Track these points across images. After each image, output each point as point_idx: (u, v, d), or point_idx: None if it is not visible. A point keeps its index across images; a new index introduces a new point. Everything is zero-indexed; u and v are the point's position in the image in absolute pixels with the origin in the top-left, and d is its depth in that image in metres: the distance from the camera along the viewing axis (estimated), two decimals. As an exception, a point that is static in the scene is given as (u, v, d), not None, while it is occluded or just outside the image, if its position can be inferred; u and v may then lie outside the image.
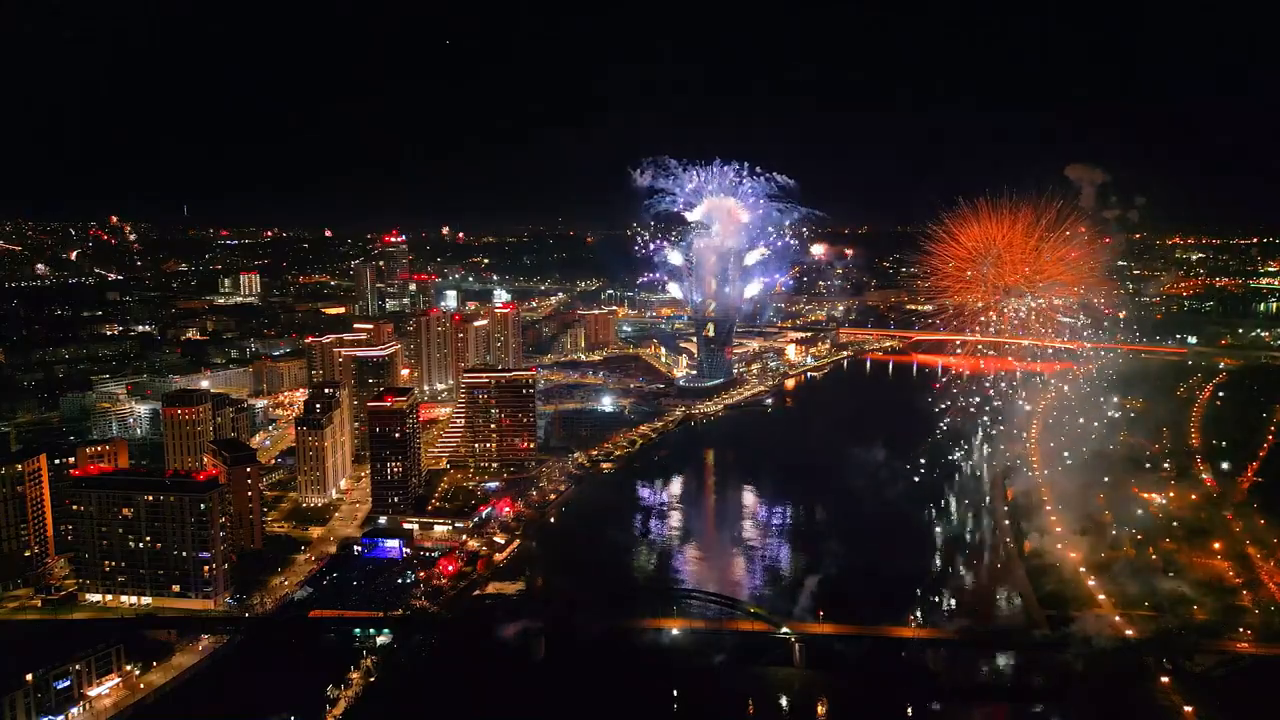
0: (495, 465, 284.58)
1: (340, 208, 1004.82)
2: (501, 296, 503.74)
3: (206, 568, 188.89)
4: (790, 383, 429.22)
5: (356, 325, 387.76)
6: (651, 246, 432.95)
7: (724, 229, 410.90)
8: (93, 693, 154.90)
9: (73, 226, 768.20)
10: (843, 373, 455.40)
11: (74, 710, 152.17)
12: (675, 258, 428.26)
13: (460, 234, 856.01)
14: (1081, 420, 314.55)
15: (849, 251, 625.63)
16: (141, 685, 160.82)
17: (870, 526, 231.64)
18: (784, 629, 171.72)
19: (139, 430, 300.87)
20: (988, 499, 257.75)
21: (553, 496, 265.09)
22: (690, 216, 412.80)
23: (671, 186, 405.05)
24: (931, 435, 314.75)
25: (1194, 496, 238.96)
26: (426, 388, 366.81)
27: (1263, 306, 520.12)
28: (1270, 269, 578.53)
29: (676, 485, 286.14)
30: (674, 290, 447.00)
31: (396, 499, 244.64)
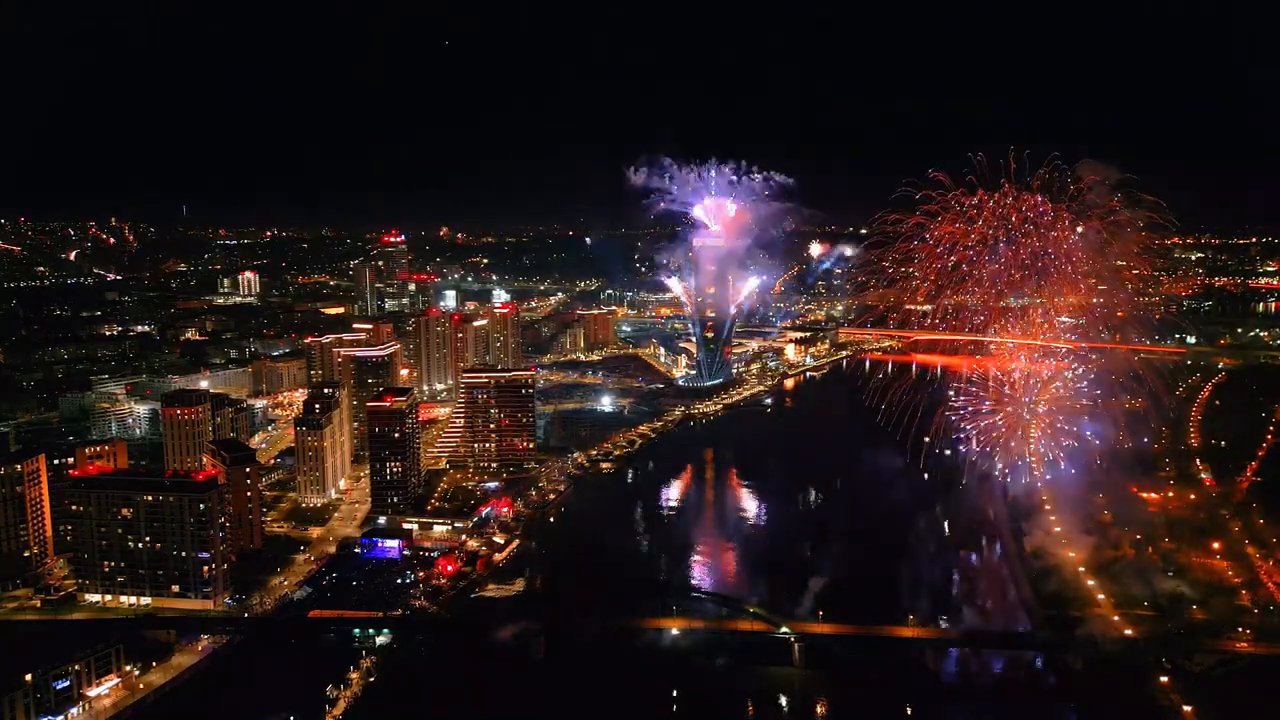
0: (495, 465, 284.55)
1: (340, 207, 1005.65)
2: (501, 296, 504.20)
3: (206, 568, 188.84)
4: (789, 382, 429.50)
5: (356, 325, 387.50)
6: (646, 244, 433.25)
7: (723, 229, 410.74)
8: (92, 693, 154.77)
9: (72, 226, 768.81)
10: (842, 372, 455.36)
11: (73, 710, 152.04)
12: (674, 258, 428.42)
13: (460, 234, 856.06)
14: (1081, 420, 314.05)
15: (848, 251, 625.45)
16: (141, 685, 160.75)
17: (870, 526, 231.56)
18: (784, 629, 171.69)
19: (138, 430, 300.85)
20: (987, 499, 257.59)
21: (552, 496, 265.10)
22: (689, 215, 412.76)
23: (668, 186, 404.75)
24: (931, 435, 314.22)
25: (1194, 496, 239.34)
26: (426, 388, 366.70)
27: (1261, 306, 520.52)
28: (1269, 269, 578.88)
29: (676, 485, 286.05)
30: (674, 289, 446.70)
31: (396, 499, 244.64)
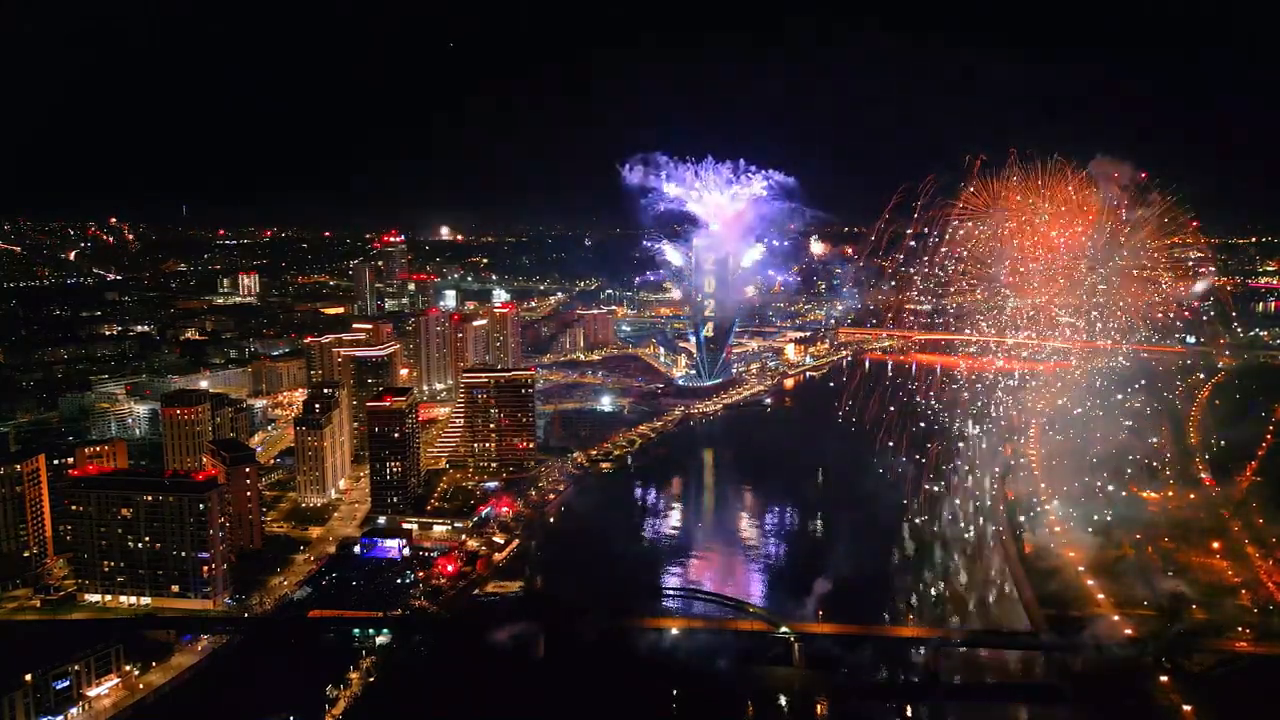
0: (494, 465, 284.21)
1: (339, 207, 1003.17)
2: (501, 296, 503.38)
3: (206, 568, 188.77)
4: (789, 382, 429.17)
5: (355, 325, 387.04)
6: (647, 244, 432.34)
7: (723, 228, 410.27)
8: (92, 693, 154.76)
9: (72, 226, 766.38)
10: (842, 372, 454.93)
11: (73, 710, 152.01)
12: (675, 257, 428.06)
13: (459, 234, 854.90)
14: (1081, 420, 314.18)
15: (849, 251, 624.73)
16: (141, 685, 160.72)
17: (870, 526, 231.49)
18: (784, 629, 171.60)
19: (138, 430, 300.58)
20: (987, 499, 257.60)
21: (552, 496, 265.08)
22: (688, 212, 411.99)
23: (663, 185, 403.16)
24: (931, 435, 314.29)
25: (1194, 496, 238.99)
26: (426, 388, 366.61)
27: (1261, 306, 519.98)
28: (1269, 269, 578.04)
29: (675, 485, 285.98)
30: (673, 290, 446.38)
31: (396, 499, 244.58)
